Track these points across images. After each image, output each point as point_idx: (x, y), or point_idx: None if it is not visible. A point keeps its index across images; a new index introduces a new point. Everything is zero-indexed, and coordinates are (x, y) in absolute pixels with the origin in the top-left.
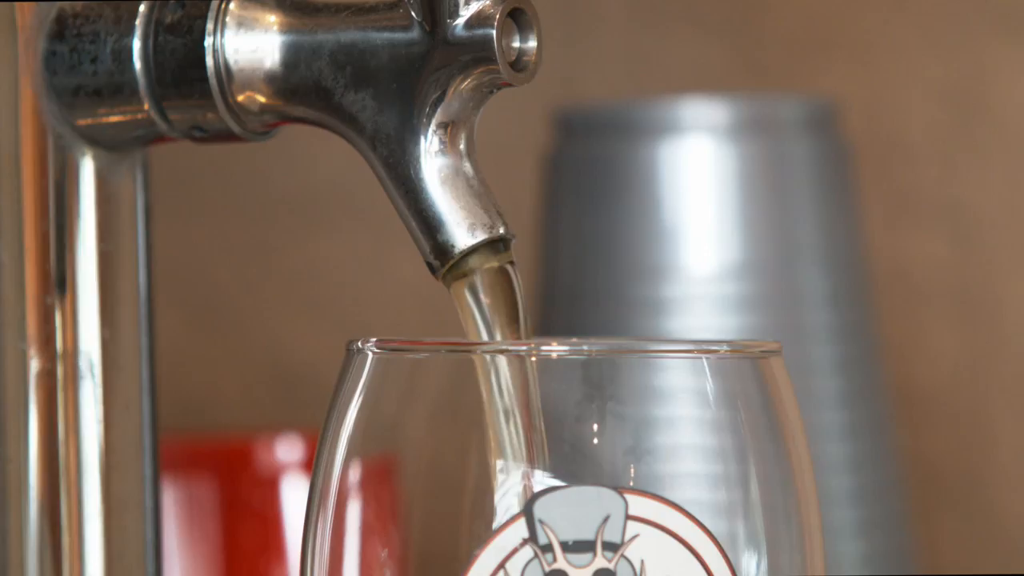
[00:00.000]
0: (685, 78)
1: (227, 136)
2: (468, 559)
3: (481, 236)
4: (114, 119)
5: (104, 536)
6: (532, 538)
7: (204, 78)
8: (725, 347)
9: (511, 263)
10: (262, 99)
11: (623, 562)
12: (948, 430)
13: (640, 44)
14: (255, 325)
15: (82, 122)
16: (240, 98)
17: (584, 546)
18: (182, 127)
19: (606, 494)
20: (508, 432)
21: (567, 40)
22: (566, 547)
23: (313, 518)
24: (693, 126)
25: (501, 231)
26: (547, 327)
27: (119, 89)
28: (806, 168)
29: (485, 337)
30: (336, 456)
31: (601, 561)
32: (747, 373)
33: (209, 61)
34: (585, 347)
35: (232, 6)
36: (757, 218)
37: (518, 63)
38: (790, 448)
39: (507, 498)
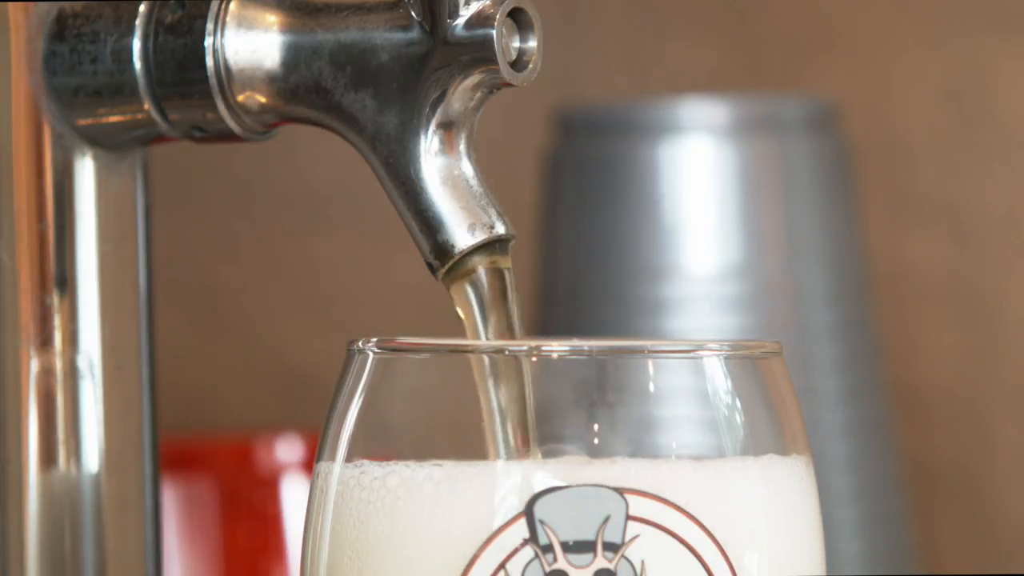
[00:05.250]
0: (685, 78)
1: (227, 136)
2: (468, 559)
3: (481, 236)
4: (114, 119)
5: (104, 536)
6: (533, 538)
7: (204, 78)
8: (725, 347)
9: (507, 265)
10: (262, 99)
11: (623, 562)
12: (948, 430)
13: (640, 44)
14: (255, 325)
15: (82, 122)
16: (240, 98)
17: (585, 546)
18: (182, 127)
19: (606, 494)
20: (508, 432)
21: (567, 40)
22: (567, 547)
23: (313, 518)
24: (693, 126)
25: (501, 231)
26: (547, 327)
27: (119, 89)
28: (806, 168)
29: (484, 337)
30: (336, 456)
31: (602, 561)
32: (748, 373)
33: (209, 61)
34: (585, 347)
35: (232, 6)
36: (757, 218)
37: (518, 63)
38: (790, 446)
39: (507, 498)
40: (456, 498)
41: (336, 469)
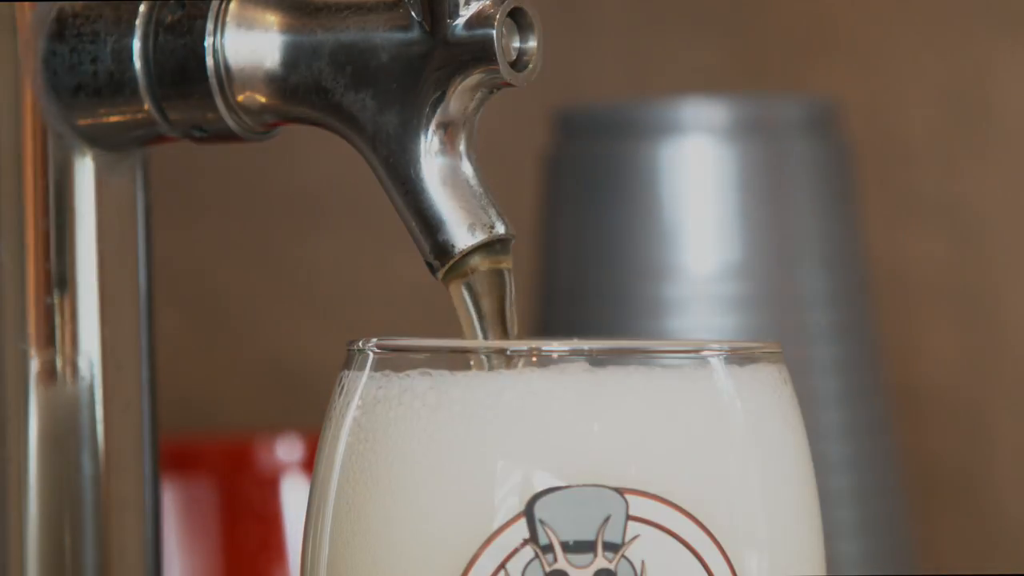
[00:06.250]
0: (685, 78)
1: (227, 136)
2: (468, 559)
3: (481, 236)
4: (114, 119)
5: (104, 536)
6: (533, 538)
7: (204, 78)
8: (725, 347)
9: (507, 266)
10: (262, 99)
11: (624, 562)
12: (948, 430)
13: (640, 44)
14: (255, 325)
15: (82, 122)
16: (240, 98)
17: (585, 546)
18: (182, 127)
19: (607, 494)
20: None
21: (567, 40)
22: (567, 547)
23: (313, 518)
24: (693, 126)
25: (501, 231)
26: (547, 327)
27: (119, 89)
28: (806, 168)
29: (483, 337)
30: (336, 456)
31: (602, 561)
32: (747, 373)
33: (209, 61)
34: (585, 347)
35: (232, 6)
36: (757, 218)
37: (518, 63)
38: (790, 447)
39: (507, 498)
40: (456, 497)
41: (337, 468)
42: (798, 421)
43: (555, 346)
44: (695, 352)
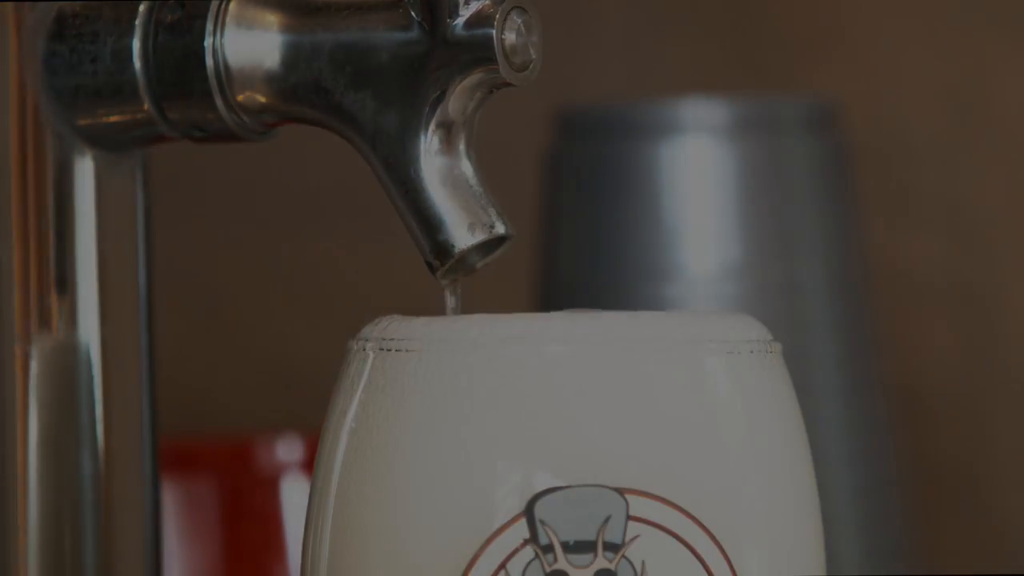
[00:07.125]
0: (685, 78)
1: (227, 136)
2: (468, 559)
3: (481, 236)
4: (114, 119)
5: (104, 536)
6: (533, 538)
7: (204, 78)
8: (726, 346)
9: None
10: (262, 99)
11: (624, 563)
12: (948, 429)
13: (640, 44)
14: (255, 325)
15: (82, 122)
16: (240, 98)
17: (585, 547)
18: (182, 127)
19: (607, 494)
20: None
21: (567, 40)
22: (567, 547)
23: (313, 518)
24: (693, 126)
25: (501, 231)
26: None
27: (119, 89)
28: (806, 168)
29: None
30: (336, 456)
31: (602, 562)
32: (747, 372)
33: (209, 61)
34: (585, 347)
35: (232, 6)
36: (757, 218)
37: (518, 63)
38: (790, 447)
39: (508, 498)
40: (455, 497)
41: (337, 468)
42: (798, 420)
43: (555, 345)
44: (695, 351)
